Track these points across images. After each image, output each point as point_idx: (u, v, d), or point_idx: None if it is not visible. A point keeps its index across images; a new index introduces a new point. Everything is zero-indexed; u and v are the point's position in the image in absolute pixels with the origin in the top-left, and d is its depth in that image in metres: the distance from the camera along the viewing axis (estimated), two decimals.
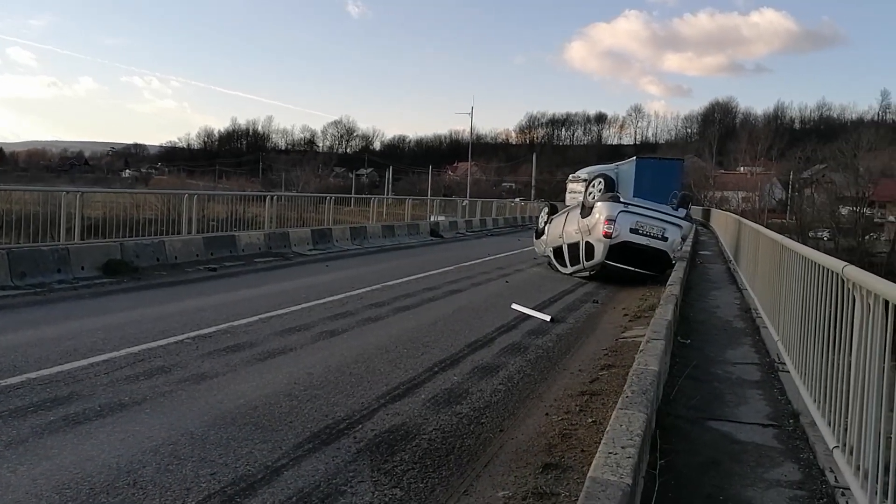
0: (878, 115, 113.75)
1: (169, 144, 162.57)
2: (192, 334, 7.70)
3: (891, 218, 51.07)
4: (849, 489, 3.58)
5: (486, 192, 77.53)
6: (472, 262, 17.33)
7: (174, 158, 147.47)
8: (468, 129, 71.38)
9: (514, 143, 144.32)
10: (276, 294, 10.82)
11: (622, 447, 3.27)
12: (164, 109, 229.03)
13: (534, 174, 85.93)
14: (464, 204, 37.35)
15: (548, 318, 9.78)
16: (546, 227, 16.99)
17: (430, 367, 6.83)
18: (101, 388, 5.62)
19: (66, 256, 11.25)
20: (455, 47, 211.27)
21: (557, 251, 15.75)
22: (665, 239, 13.97)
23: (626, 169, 16.94)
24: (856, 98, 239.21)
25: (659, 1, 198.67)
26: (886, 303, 3.23)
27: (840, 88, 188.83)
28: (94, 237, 12.74)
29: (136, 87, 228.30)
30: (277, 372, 6.36)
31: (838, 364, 4.09)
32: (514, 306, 10.52)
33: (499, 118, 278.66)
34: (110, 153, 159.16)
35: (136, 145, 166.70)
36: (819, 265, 4.80)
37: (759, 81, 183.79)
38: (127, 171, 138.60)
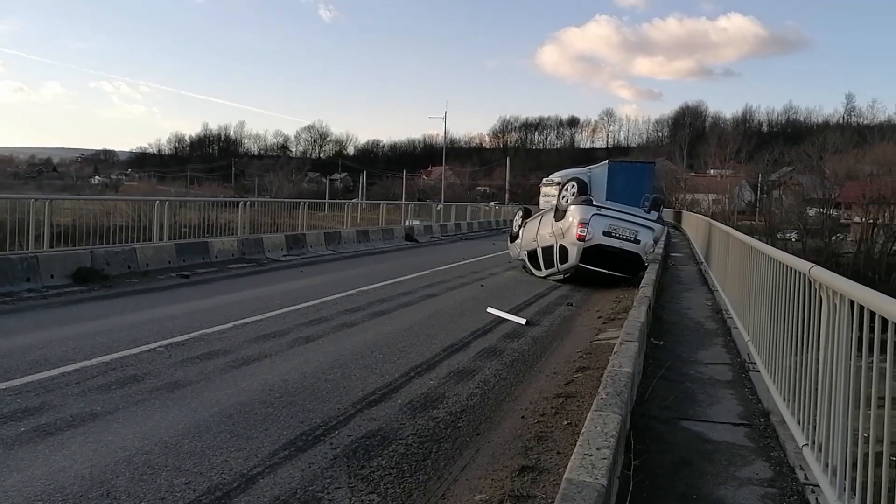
0: (843, 118, 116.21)
1: (139, 150, 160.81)
2: (165, 342, 7.61)
3: (856, 219, 52.07)
4: (818, 486, 3.65)
5: (460, 196, 77.69)
6: (447, 267, 17.36)
7: (145, 164, 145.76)
8: (442, 134, 71.47)
9: (487, 146, 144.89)
10: (251, 300, 10.74)
11: (597, 448, 3.31)
12: (134, 115, 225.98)
13: (507, 178, 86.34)
14: (438, 208, 37.38)
15: (523, 321, 9.84)
16: (520, 231, 17.08)
17: (407, 372, 6.83)
18: (72, 398, 5.54)
19: (35, 265, 11.06)
20: (428, 51, 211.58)
21: (532, 255, 15.84)
22: (637, 241, 14.12)
23: (598, 172, 17.09)
24: (821, 101, 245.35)
25: (629, 6, 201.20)
26: (852, 303, 3.31)
27: (806, 92, 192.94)
28: (63, 245, 12.52)
29: (104, 92, 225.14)
30: (252, 379, 6.32)
31: (806, 363, 4.17)
32: (490, 310, 10.56)
33: (472, 122, 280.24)
34: (79, 159, 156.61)
35: (105, 151, 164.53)
36: (787, 266, 4.90)
37: (728, 85, 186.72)
38: (96, 177, 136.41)
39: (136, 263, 13.18)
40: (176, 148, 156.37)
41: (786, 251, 6.19)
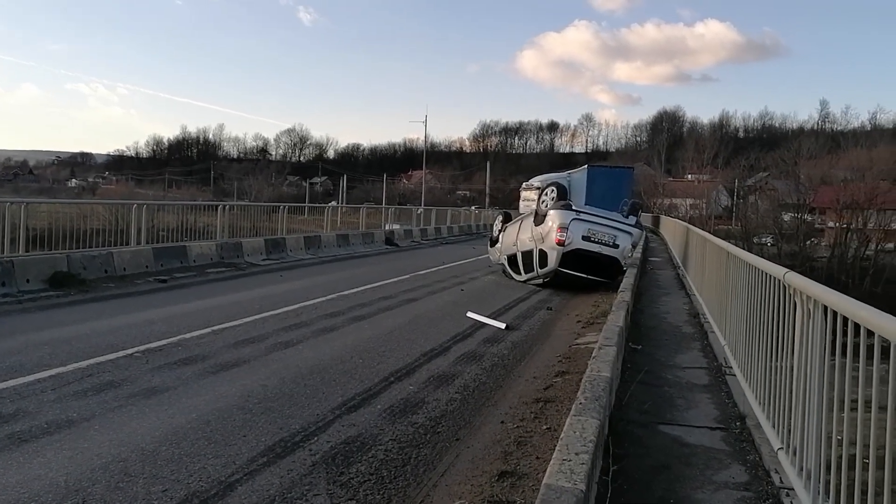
0: (818, 124, 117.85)
1: (117, 153, 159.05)
2: (142, 348, 7.54)
3: (830, 224, 52.86)
4: (793, 489, 3.70)
5: (440, 200, 77.77)
6: (428, 271, 17.36)
7: (122, 167, 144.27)
8: (422, 138, 71.55)
9: (468, 151, 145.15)
10: (229, 305, 10.66)
11: (576, 453, 3.33)
12: (111, 117, 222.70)
13: (488, 182, 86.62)
14: (419, 212, 37.36)
15: (503, 325, 9.87)
16: (500, 236, 17.14)
17: (386, 378, 6.82)
18: (47, 405, 5.47)
19: (11, 269, 10.90)
20: (409, 55, 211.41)
21: (512, 259, 15.89)
22: (616, 246, 14.23)
23: (577, 177, 17.20)
24: (796, 108, 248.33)
25: (607, 11, 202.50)
26: (825, 308, 3.37)
27: (781, 98, 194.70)
28: (39, 249, 12.36)
29: (81, 94, 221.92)
30: (231, 385, 6.28)
31: (781, 367, 4.23)
32: (470, 314, 10.58)
33: (453, 126, 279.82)
34: (56, 162, 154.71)
35: (82, 154, 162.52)
36: (762, 271, 4.96)
37: (705, 91, 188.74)
38: (73, 180, 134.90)
39: (114, 268, 13.03)
40: (154, 151, 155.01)
41: (761, 255, 6.28)
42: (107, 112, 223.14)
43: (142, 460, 4.45)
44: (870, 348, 2.80)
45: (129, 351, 7.37)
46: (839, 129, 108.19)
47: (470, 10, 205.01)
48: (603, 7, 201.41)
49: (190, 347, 7.69)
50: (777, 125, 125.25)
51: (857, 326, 2.93)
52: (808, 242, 52.50)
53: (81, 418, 5.20)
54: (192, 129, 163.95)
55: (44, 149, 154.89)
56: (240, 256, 17.17)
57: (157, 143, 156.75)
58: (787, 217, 54.62)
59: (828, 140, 75.51)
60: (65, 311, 9.86)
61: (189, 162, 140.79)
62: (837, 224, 50.30)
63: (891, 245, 49.19)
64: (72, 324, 8.83)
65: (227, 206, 19.56)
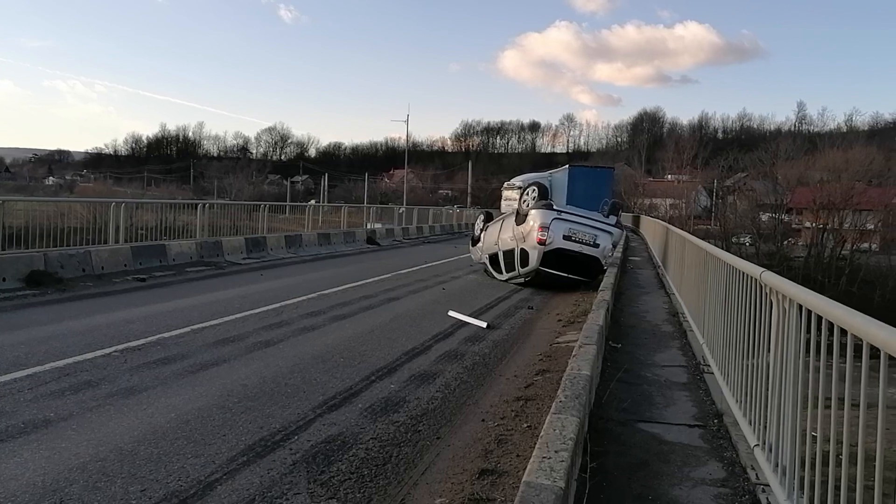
0: (795, 126, 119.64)
1: (95, 151, 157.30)
2: (121, 347, 7.47)
3: (807, 224, 53.58)
4: (769, 486, 3.76)
5: (422, 200, 77.75)
6: (409, 270, 17.36)
7: (100, 165, 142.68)
8: (404, 137, 71.44)
9: (449, 150, 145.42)
10: (209, 304, 10.59)
11: (555, 451, 3.35)
12: (89, 114, 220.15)
13: (469, 181, 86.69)
14: (400, 211, 37.32)
15: (484, 324, 9.90)
16: (482, 235, 17.17)
17: (368, 376, 6.82)
18: (24, 405, 5.41)
19: None
20: (390, 54, 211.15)
21: (493, 258, 15.94)
22: (597, 245, 14.32)
23: (559, 177, 17.29)
24: (774, 109, 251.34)
25: (588, 12, 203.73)
26: (800, 307, 3.42)
27: (759, 100, 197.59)
28: (15, 247, 12.18)
29: (59, 91, 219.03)
30: (210, 384, 6.24)
31: (758, 365, 4.29)
32: (451, 313, 10.60)
33: (435, 126, 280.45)
34: (33, 160, 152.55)
35: (60, 151, 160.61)
36: (739, 271, 5.03)
37: (685, 92, 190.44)
38: (50, 178, 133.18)
39: (91, 266, 12.88)
40: (133, 148, 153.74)
41: (740, 255, 6.35)
42: (85, 109, 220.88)
43: (120, 460, 4.42)
44: (843, 346, 2.86)
45: (108, 350, 7.30)
46: (816, 130, 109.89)
47: (451, 9, 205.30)
48: (584, 8, 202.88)
49: (169, 347, 7.63)
50: (755, 126, 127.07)
51: (831, 325, 2.98)
52: (786, 242, 53.23)
53: (59, 418, 5.15)
54: (172, 126, 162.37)
55: (21, 146, 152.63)
56: (220, 255, 17.05)
57: (136, 140, 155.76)
58: (765, 217, 55.29)
59: (805, 141, 76.42)
60: (41, 311, 9.74)
61: (168, 160, 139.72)
62: (814, 224, 51.02)
63: (866, 245, 49.94)
64: (49, 323, 8.73)
65: (207, 205, 19.40)
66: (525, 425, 5.31)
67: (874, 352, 2.48)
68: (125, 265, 13.77)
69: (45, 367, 6.51)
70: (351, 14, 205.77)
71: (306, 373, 6.82)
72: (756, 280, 4.36)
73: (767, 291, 4.06)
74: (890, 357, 2.33)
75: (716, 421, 5.17)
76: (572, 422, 3.81)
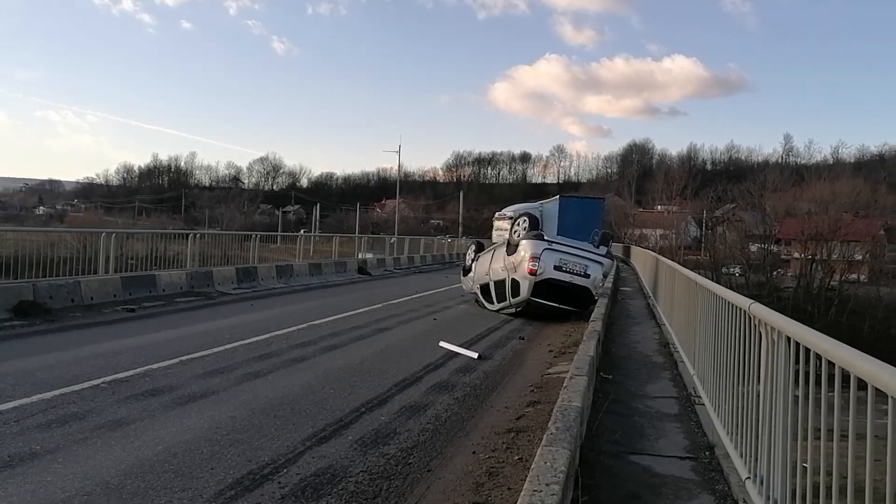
0: (782, 157, 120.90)
1: (86, 181, 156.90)
2: (109, 378, 7.40)
3: (795, 255, 53.94)
4: None
5: (414, 230, 77.89)
6: (400, 300, 17.33)
7: (91, 195, 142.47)
8: (396, 167, 71.79)
9: (441, 181, 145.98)
10: (198, 335, 10.52)
11: (547, 484, 3.34)
12: (81, 145, 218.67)
13: (461, 212, 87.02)
14: (392, 241, 37.36)
15: (475, 355, 9.87)
16: (473, 265, 17.19)
17: (358, 408, 6.77)
18: (10, 437, 5.33)
19: None
20: (382, 86, 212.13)
21: (484, 288, 15.94)
22: (587, 276, 14.35)
23: (549, 207, 17.40)
24: (761, 141, 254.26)
25: (577, 45, 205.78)
26: (789, 339, 3.45)
27: (747, 132, 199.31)
28: (4, 278, 12.09)
29: (50, 121, 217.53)
30: (198, 416, 6.18)
31: (748, 397, 4.30)
32: (442, 344, 10.57)
33: (426, 156, 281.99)
34: (23, 189, 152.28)
35: (51, 181, 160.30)
36: (728, 302, 5.06)
37: (674, 124, 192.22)
38: (41, 207, 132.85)
39: (81, 297, 12.80)
40: (124, 178, 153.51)
41: (730, 286, 6.40)
42: (76, 139, 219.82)
43: (106, 494, 4.36)
44: (832, 377, 2.88)
45: (96, 382, 7.23)
46: (803, 162, 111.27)
47: (442, 42, 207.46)
48: (573, 41, 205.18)
49: (157, 378, 7.57)
50: (743, 158, 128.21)
51: (819, 356, 3.01)
52: (775, 273, 53.48)
53: (45, 451, 5.08)
54: (164, 157, 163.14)
55: (12, 176, 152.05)
56: (210, 285, 16.98)
57: (128, 170, 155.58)
58: (754, 248, 55.64)
59: (792, 173, 77.37)
60: (29, 341, 9.65)
61: (160, 190, 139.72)
62: (803, 255, 51.35)
63: (854, 276, 50.27)
64: (36, 354, 8.65)
65: (198, 235, 19.37)
66: (516, 458, 5.28)
67: (862, 383, 2.50)
68: (114, 295, 13.68)
69: (33, 399, 6.44)
70: (343, 46, 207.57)
71: (296, 404, 6.77)
72: (745, 312, 4.39)
73: (756, 323, 4.09)
74: (877, 389, 2.35)
75: (707, 453, 5.16)
76: (563, 454, 3.80)
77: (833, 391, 2.95)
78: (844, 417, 2.75)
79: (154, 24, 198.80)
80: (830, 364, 2.85)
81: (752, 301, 4.32)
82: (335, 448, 5.52)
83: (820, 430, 3.09)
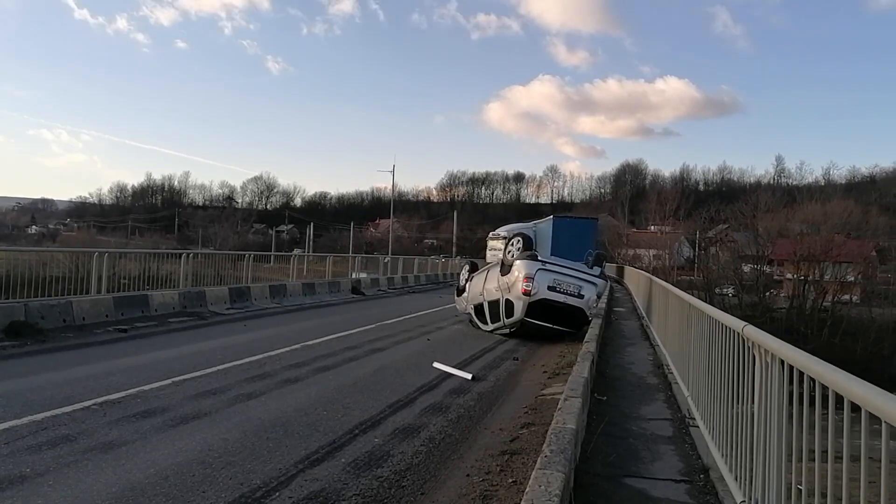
0: (774, 178, 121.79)
1: (79, 200, 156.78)
2: (100, 400, 7.34)
3: (788, 275, 54.14)
4: None
5: (408, 249, 77.99)
6: (394, 320, 17.29)
7: (84, 214, 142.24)
8: (390, 187, 72.04)
9: (435, 200, 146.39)
10: (191, 355, 10.47)
11: None
12: (74, 163, 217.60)
13: (455, 231, 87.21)
14: (385, 261, 37.36)
15: (469, 376, 9.84)
16: (467, 285, 17.19)
17: (351, 430, 6.73)
18: (0, 459, 5.28)
19: None
20: (376, 105, 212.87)
21: (478, 308, 15.93)
22: (581, 296, 14.37)
23: (543, 227, 17.45)
24: (753, 162, 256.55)
25: (571, 66, 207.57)
26: (782, 361, 3.46)
27: (739, 153, 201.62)
28: None
29: (44, 140, 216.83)
30: (191, 438, 6.13)
31: (742, 419, 4.30)
32: (436, 365, 10.54)
33: (420, 176, 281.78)
34: (16, 208, 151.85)
35: (43, 200, 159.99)
36: (722, 324, 5.07)
37: (667, 144, 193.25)
38: (33, 226, 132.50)
39: (73, 317, 12.73)
40: (118, 198, 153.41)
41: (723, 306, 6.43)
42: (70, 158, 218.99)
43: None
44: (826, 398, 2.88)
45: (87, 403, 7.17)
46: (794, 183, 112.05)
47: (437, 62, 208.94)
48: (567, 62, 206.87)
49: (149, 400, 7.51)
50: (735, 179, 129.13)
51: (812, 379, 3.02)
52: (768, 293, 53.59)
53: (35, 474, 5.02)
54: (158, 176, 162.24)
55: (4, 195, 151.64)
56: (203, 305, 16.92)
57: (121, 189, 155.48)
58: (746, 268, 55.82)
59: (784, 194, 77.91)
60: (21, 362, 9.57)
61: (153, 209, 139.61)
62: (795, 276, 51.53)
63: (847, 297, 50.44)
64: (27, 375, 8.58)
65: (191, 255, 19.33)
66: (510, 480, 5.24)
67: (856, 405, 2.51)
68: (107, 315, 13.61)
69: (23, 421, 6.38)
70: (337, 66, 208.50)
71: (289, 426, 6.73)
72: (738, 334, 4.41)
73: (750, 345, 4.10)
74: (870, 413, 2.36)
75: (702, 476, 5.15)
76: (558, 477, 3.79)
77: (827, 412, 2.95)
78: (839, 439, 2.76)
79: (149, 43, 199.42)
80: (823, 386, 2.86)
81: (746, 323, 4.33)
82: (328, 471, 5.48)
83: (814, 452, 3.09)
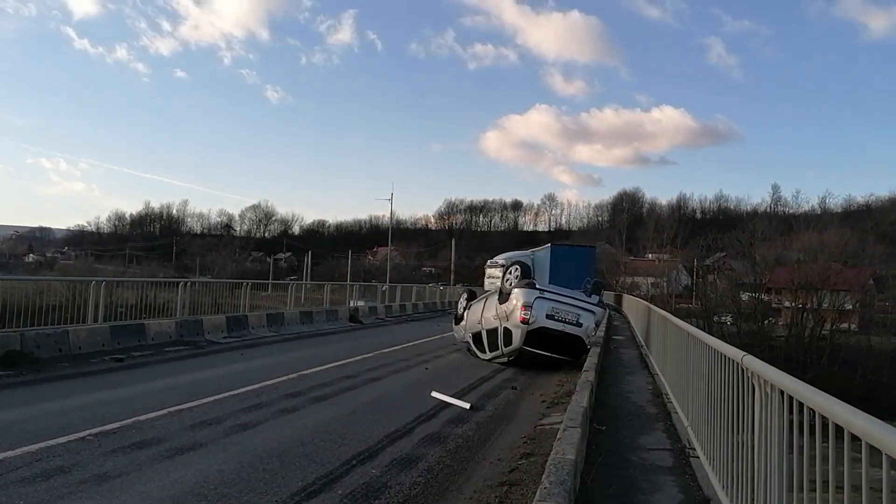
0: (770, 207, 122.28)
1: (77, 228, 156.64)
2: (95, 430, 7.27)
3: (786, 303, 54.10)
4: None
5: (406, 277, 77.85)
6: (392, 349, 17.22)
7: (82, 242, 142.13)
8: (388, 215, 72.11)
9: (433, 228, 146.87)
10: (187, 385, 10.40)
11: None
12: (72, 192, 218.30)
13: (452, 259, 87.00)
14: (383, 289, 37.31)
15: (467, 405, 9.78)
16: (465, 313, 17.16)
17: (348, 461, 6.67)
18: None
19: None
20: (375, 134, 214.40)
21: (476, 337, 15.88)
22: (580, 325, 14.34)
23: (541, 255, 17.48)
24: (750, 191, 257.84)
25: (567, 96, 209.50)
26: (782, 392, 3.45)
27: (735, 181, 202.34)
28: None
29: (42, 168, 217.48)
30: (186, 470, 6.07)
31: (743, 450, 4.27)
32: (434, 394, 10.48)
33: (418, 204, 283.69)
34: (13, 236, 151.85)
35: (41, 229, 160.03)
36: (721, 354, 5.06)
37: (664, 173, 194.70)
38: (31, 255, 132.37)
39: (69, 346, 12.66)
40: (116, 226, 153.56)
41: (721, 334, 6.43)
42: (68, 187, 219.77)
43: None
44: (825, 427, 2.87)
45: (82, 434, 7.10)
46: (791, 212, 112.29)
47: (434, 91, 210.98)
48: (563, 92, 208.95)
49: (145, 430, 7.45)
50: (732, 207, 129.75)
51: (812, 410, 3.01)
52: (766, 322, 53.51)
53: None
54: (156, 204, 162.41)
55: (1, 223, 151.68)
56: (200, 334, 16.85)
57: (119, 218, 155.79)
58: (744, 296, 55.78)
59: (780, 223, 78.26)
60: (15, 392, 9.50)
61: (151, 238, 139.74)
62: (793, 304, 51.52)
63: (845, 325, 50.39)
64: (22, 405, 8.51)
65: (188, 283, 19.30)
66: None
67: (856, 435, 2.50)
68: (103, 345, 13.55)
69: (17, 452, 6.31)
70: (336, 95, 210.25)
71: (285, 457, 6.66)
72: (738, 364, 4.40)
73: (749, 376, 4.09)
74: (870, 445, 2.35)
75: None
76: None
77: (827, 443, 2.93)
78: (839, 468, 2.74)
79: (148, 73, 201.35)
80: (824, 417, 2.85)
81: (745, 353, 4.32)
82: (325, 503, 5.41)
83: (815, 482, 3.06)
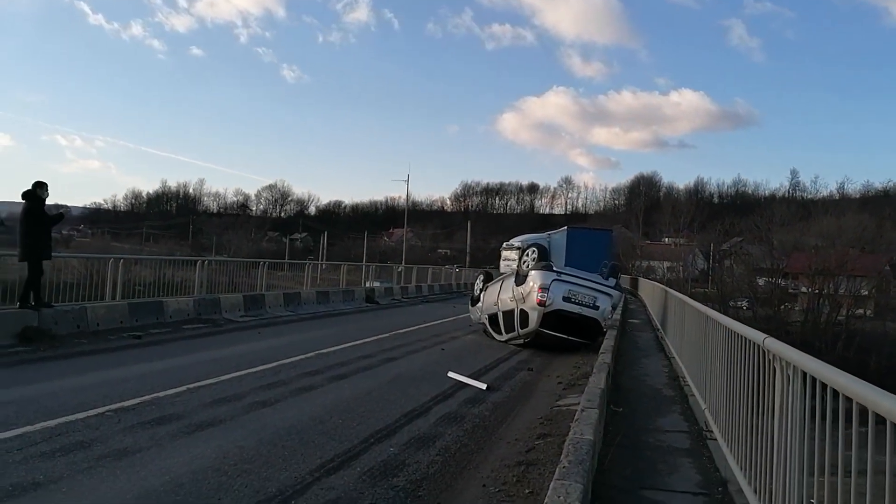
0: (789, 192, 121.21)
1: (93, 206, 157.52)
2: (114, 406, 7.36)
3: (803, 289, 53.64)
4: None
5: (421, 259, 77.97)
6: (408, 330, 17.28)
7: (98, 220, 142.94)
8: (404, 196, 72.15)
9: (449, 210, 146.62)
10: (206, 363, 10.50)
11: None
12: (88, 170, 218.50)
13: (469, 241, 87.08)
14: (399, 270, 37.40)
15: (484, 386, 9.81)
16: (481, 295, 17.16)
17: (366, 439, 6.72)
18: (13, 466, 5.29)
19: None
20: (391, 115, 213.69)
21: (493, 318, 15.89)
22: (596, 307, 14.30)
23: (557, 238, 17.43)
24: (768, 176, 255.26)
25: (585, 78, 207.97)
26: (805, 374, 3.42)
27: (754, 166, 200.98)
28: (8, 303, 12.12)
29: (58, 146, 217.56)
30: (206, 446, 6.14)
31: (762, 432, 4.25)
32: (451, 374, 10.51)
33: (434, 185, 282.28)
34: None
35: (57, 206, 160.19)
36: (741, 336, 5.02)
37: (682, 157, 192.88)
38: None
39: (87, 323, 12.81)
40: (132, 204, 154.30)
41: (737, 319, 6.37)
42: (84, 164, 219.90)
43: None
44: (848, 412, 2.85)
45: (101, 410, 7.19)
46: (809, 197, 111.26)
47: (451, 72, 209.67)
48: (581, 73, 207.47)
49: (164, 406, 7.53)
50: (750, 192, 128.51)
51: (835, 392, 2.98)
52: (783, 307, 53.10)
53: (49, 480, 5.04)
54: (172, 183, 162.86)
55: (17, 200, 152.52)
56: (217, 312, 16.99)
57: (136, 196, 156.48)
58: (761, 281, 55.35)
59: (799, 208, 77.43)
60: (34, 368, 9.64)
61: (168, 216, 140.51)
62: (810, 289, 51.06)
63: (861, 311, 49.92)
64: (41, 381, 8.63)
65: (206, 262, 19.43)
66: (527, 491, 5.21)
67: (880, 418, 2.48)
68: (121, 322, 13.69)
69: (36, 427, 6.40)
70: (352, 75, 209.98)
71: (304, 434, 6.72)
72: (759, 346, 4.36)
73: (770, 358, 4.06)
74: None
75: (720, 489, 5.09)
76: (577, 488, 3.75)
77: (851, 427, 2.91)
78: (861, 454, 2.72)
79: (164, 50, 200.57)
80: (847, 399, 2.82)
81: (767, 335, 4.29)
82: (343, 479, 5.46)
83: (837, 466, 3.04)
